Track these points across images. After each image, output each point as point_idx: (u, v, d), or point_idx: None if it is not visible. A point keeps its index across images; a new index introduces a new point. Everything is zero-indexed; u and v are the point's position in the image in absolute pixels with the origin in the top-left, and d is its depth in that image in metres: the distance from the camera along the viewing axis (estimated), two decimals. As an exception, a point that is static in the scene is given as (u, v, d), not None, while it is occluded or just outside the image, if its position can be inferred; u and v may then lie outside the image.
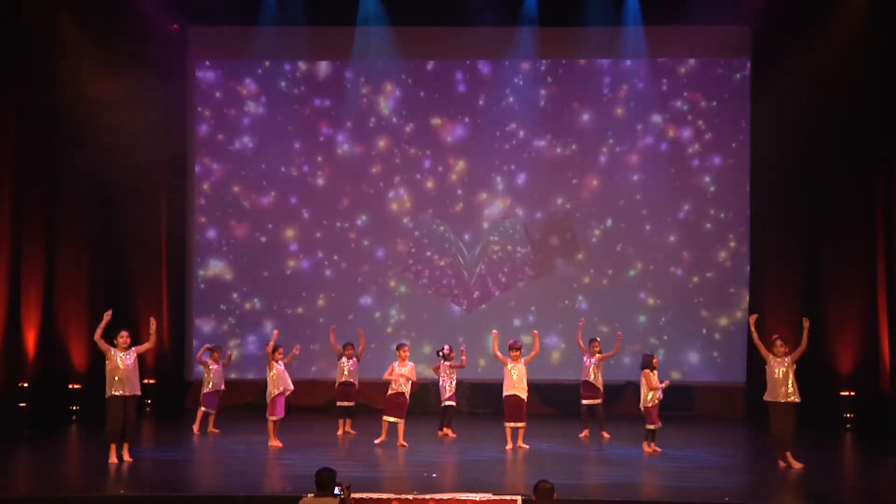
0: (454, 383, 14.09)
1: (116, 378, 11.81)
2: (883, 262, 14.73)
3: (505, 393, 13.13)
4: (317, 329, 17.06)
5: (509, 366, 13.16)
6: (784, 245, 16.32)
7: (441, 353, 14.08)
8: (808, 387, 14.97)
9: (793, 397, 11.84)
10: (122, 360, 11.85)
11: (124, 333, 12.00)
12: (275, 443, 13.08)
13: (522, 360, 13.20)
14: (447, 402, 14.04)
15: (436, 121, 17.35)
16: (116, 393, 11.80)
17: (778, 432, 11.85)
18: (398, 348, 13.46)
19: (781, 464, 11.78)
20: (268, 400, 13.18)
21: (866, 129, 15.25)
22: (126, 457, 11.85)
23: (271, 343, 13.17)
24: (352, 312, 17.18)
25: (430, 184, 17.39)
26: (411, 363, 13.36)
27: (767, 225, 16.54)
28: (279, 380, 13.16)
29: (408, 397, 13.24)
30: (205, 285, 17.37)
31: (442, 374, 14.04)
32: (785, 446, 11.83)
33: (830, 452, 13.48)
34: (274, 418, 13.14)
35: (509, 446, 12.97)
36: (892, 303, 14.33)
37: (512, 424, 13.07)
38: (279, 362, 13.21)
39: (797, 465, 11.71)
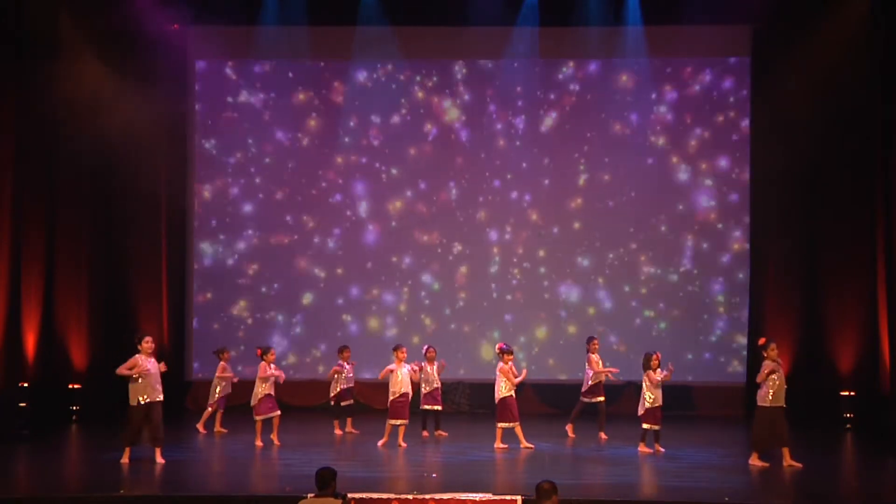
0: (433, 386, 13.91)
1: (141, 382, 11.72)
2: (883, 262, 14.72)
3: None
4: (317, 330, 17.10)
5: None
6: (784, 245, 16.32)
7: (424, 354, 14.02)
8: (808, 387, 15.13)
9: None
10: (148, 364, 11.78)
11: (149, 338, 11.95)
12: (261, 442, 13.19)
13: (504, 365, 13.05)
14: (425, 406, 13.92)
15: (442, 118, 17.39)
16: (143, 400, 11.73)
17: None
18: (395, 350, 13.44)
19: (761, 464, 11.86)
20: (256, 400, 13.26)
21: (866, 129, 15.24)
22: (158, 458, 11.81)
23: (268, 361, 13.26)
24: (353, 313, 17.22)
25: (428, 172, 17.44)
26: (408, 364, 13.34)
27: (767, 225, 16.55)
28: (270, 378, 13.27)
29: (409, 398, 13.22)
30: (204, 285, 17.35)
31: (421, 375, 13.90)
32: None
33: (830, 452, 13.49)
34: (261, 417, 13.22)
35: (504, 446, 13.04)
36: (892, 303, 14.33)
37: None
38: (271, 364, 13.29)
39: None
